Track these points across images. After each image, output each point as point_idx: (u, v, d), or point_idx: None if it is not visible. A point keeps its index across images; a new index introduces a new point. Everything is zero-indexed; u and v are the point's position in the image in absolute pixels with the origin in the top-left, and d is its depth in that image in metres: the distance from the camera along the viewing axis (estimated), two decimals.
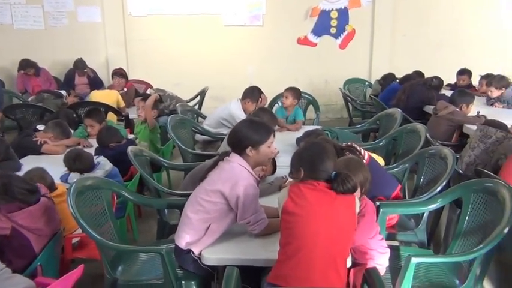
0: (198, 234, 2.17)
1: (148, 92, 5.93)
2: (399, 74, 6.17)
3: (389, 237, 2.86)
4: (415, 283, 2.25)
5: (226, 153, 2.27)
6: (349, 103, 6.23)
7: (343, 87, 6.70)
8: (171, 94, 5.76)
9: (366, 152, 2.79)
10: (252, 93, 4.46)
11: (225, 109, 4.47)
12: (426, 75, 5.76)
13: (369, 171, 2.39)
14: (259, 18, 7.55)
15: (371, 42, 7.69)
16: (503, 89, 5.00)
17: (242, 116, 4.18)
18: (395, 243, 2.95)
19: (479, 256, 2.19)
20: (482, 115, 4.01)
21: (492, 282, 3.01)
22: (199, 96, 6.42)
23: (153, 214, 3.42)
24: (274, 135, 2.29)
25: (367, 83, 6.97)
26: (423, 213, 2.86)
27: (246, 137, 2.22)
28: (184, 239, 2.20)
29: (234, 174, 2.14)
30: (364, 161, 2.67)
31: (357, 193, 2.22)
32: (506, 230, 2.11)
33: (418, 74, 5.98)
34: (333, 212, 1.91)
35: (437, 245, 3.32)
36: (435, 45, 7.76)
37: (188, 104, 5.87)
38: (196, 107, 6.18)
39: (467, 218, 2.51)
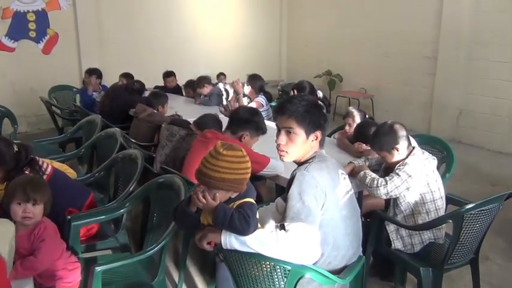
0: None
1: None
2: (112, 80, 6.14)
3: (90, 248, 2.76)
4: None
5: None
6: (54, 113, 5.75)
7: (49, 95, 6.19)
8: None
9: (50, 165, 2.60)
10: None
11: None
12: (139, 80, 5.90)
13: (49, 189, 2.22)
14: None
15: (78, 48, 7.39)
16: (209, 85, 5.70)
17: None
18: (108, 251, 2.88)
19: (165, 249, 2.32)
20: (178, 115, 4.31)
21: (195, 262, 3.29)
22: None
23: None
24: None
25: (75, 90, 6.63)
26: (122, 217, 2.87)
27: None
28: None
29: None
30: (46, 176, 2.49)
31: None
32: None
33: (126, 76, 6.08)
34: None
35: None
36: (145, 49, 8.04)
37: None
38: None
39: (155, 214, 2.65)
